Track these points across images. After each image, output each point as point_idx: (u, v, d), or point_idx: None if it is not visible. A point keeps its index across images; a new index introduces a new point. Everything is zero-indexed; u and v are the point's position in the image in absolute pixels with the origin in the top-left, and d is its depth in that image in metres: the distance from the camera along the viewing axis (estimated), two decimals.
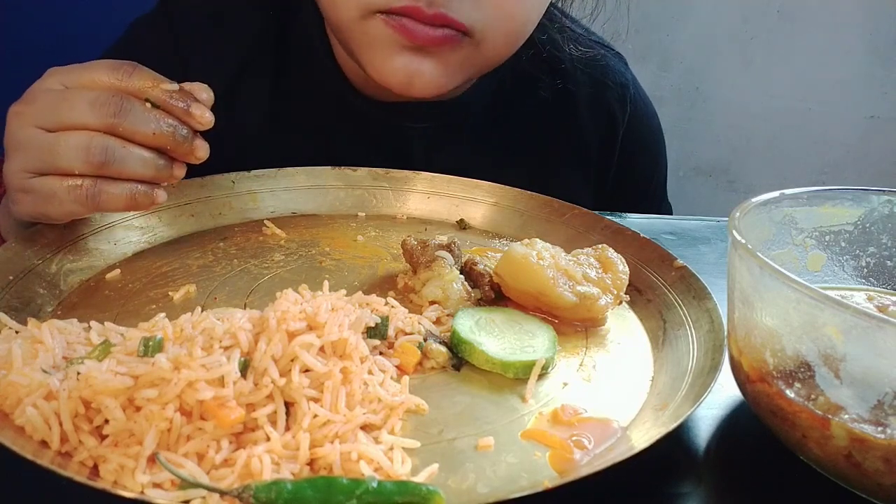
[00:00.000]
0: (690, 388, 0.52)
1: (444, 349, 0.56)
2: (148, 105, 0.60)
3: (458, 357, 0.56)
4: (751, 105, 2.31)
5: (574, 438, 0.49)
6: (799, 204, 0.58)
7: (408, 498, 0.41)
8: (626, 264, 0.66)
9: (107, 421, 0.43)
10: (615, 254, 0.66)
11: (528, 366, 0.55)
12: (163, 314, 0.54)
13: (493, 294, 0.65)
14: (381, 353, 0.55)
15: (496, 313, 0.62)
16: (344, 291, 0.56)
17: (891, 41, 2.19)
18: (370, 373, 0.51)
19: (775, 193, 0.57)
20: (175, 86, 0.61)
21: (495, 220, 0.83)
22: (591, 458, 0.47)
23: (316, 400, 0.46)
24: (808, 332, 0.45)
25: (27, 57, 1.40)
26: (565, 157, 1.01)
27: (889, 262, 0.60)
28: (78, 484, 0.40)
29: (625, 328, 0.64)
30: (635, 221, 0.88)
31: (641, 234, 0.74)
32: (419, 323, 0.58)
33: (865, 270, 0.60)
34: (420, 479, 0.44)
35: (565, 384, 0.55)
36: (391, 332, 0.56)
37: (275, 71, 0.93)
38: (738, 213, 0.53)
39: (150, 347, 0.47)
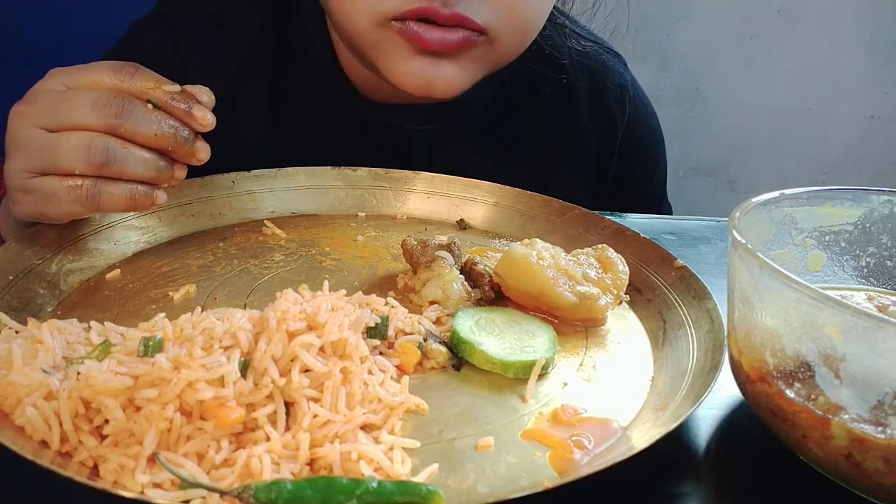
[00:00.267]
0: (690, 388, 0.52)
1: (444, 349, 0.56)
2: (150, 106, 0.60)
3: (458, 357, 0.56)
4: (751, 105, 2.31)
5: (574, 438, 0.49)
6: (799, 204, 0.58)
7: (408, 498, 0.41)
8: (626, 264, 0.66)
9: (107, 421, 0.43)
10: (615, 254, 0.66)
11: (528, 366, 0.55)
12: (163, 314, 0.54)
13: (493, 294, 0.65)
14: (381, 353, 0.55)
15: (496, 313, 0.62)
16: (344, 291, 0.56)
17: (891, 41, 2.19)
18: (370, 373, 0.51)
19: (775, 193, 0.57)
20: (177, 87, 0.61)
21: (495, 220, 0.83)
22: (591, 458, 0.47)
23: (316, 400, 0.46)
24: (808, 332, 0.45)
25: (27, 57, 1.40)
26: (565, 158, 1.01)
27: (889, 262, 0.60)
28: (78, 484, 0.40)
29: (625, 328, 0.64)
30: (635, 221, 0.88)
31: (641, 234, 0.74)
32: (419, 323, 0.58)
33: (865, 270, 0.60)
34: (420, 479, 0.44)
35: (565, 384, 0.55)
36: (391, 332, 0.56)
37: (275, 71, 0.93)
38: (738, 213, 0.53)
39: (150, 347, 0.47)
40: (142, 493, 0.40)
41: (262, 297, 0.64)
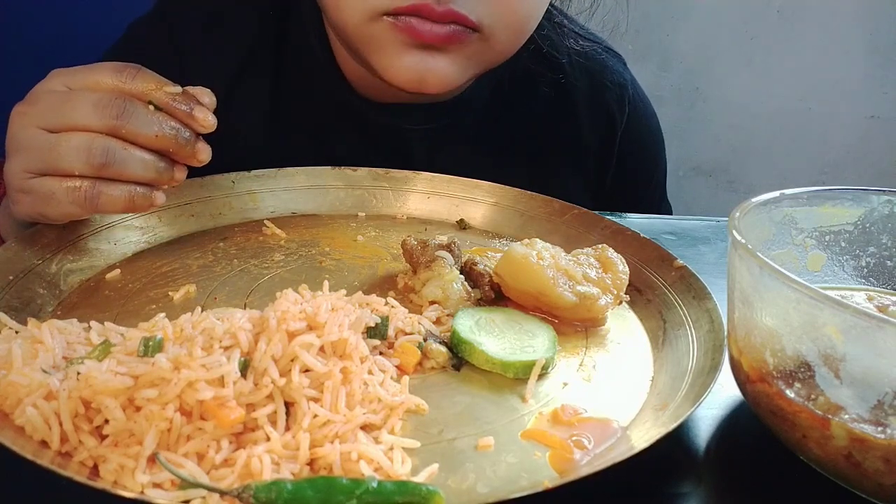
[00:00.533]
0: (690, 388, 0.52)
1: (444, 349, 0.56)
2: (151, 108, 0.60)
3: (458, 357, 0.56)
4: (751, 105, 2.31)
5: (574, 438, 0.49)
6: (799, 204, 0.58)
7: (408, 498, 0.41)
8: (626, 264, 0.66)
9: (107, 421, 0.43)
10: (615, 254, 0.66)
11: (528, 366, 0.55)
12: (163, 314, 0.54)
13: (493, 294, 0.65)
14: (381, 353, 0.55)
15: (496, 313, 0.62)
16: (344, 291, 0.56)
17: (891, 41, 2.19)
18: (370, 373, 0.51)
19: (775, 193, 0.57)
20: (178, 89, 0.61)
21: (495, 220, 0.83)
22: (591, 458, 0.47)
23: (316, 400, 0.46)
24: (808, 332, 0.45)
25: (27, 57, 1.40)
26: (564, 158, 1.01)
27: (889, 262, 0.60)
28: (78, 484, 0.40)
29: (625, 328, 0.64)
30: (635, 221, 0.88)
31: (641, 234, 0.74)
32: (419, 323, 0.58)
33: (865, 270, 0.60)
34: (420, 479, 0.44)
35: (565, 384, 0.55)
36: (391, 332, 0.56)
37: (274, 71, 0.93)
38: (738, 213, 0.53)
39: (150, 347, 0.47)
40: (142, 493, 0.40)
41: (262, 297, 0.64)
